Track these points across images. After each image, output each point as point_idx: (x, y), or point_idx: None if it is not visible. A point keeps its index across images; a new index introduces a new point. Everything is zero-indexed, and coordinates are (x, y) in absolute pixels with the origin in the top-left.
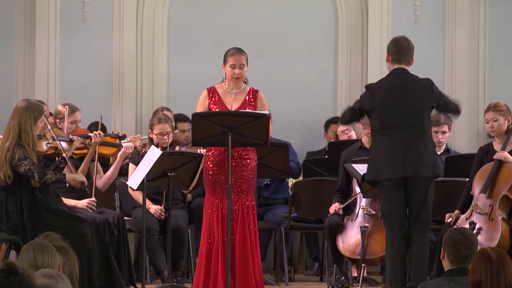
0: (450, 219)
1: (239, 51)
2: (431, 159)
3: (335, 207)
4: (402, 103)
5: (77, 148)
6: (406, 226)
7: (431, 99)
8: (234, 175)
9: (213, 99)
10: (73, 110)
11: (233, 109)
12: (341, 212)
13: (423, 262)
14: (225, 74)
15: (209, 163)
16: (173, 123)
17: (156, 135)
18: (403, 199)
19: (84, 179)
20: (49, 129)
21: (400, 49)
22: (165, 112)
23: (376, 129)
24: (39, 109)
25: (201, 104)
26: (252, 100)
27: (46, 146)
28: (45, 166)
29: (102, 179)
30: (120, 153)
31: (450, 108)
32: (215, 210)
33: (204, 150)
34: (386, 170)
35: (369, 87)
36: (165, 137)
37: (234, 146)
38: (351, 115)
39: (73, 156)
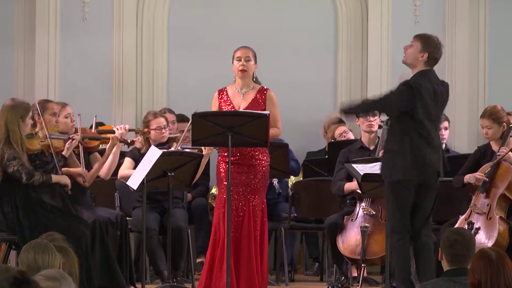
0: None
1: (245, 46)
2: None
3: (354, 185)
4: (438, 108)
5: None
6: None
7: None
8: (245, 175)
9: (223, 99)
10: (63, 105)
11: (240, 109)
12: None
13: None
14: (235, 73)
15: (222, 163)
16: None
17: (154, 130)
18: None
19: (68, 181)
20: (43, 126)
21: (439, 57)
22: (167, 113)
23: (413, 130)
24: (25, 107)
25: (213, 106)
26: (261, 99)
27: (39, 144)
28: (42, 163)
29: (103, 169)
30: (112, 137)
31: None
32: (223, 207)
33: (210, 149)
34: (424, 172)
35: (417, 86)
36: (164, 130)
37: (234, 146)
38: (401, 106)
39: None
